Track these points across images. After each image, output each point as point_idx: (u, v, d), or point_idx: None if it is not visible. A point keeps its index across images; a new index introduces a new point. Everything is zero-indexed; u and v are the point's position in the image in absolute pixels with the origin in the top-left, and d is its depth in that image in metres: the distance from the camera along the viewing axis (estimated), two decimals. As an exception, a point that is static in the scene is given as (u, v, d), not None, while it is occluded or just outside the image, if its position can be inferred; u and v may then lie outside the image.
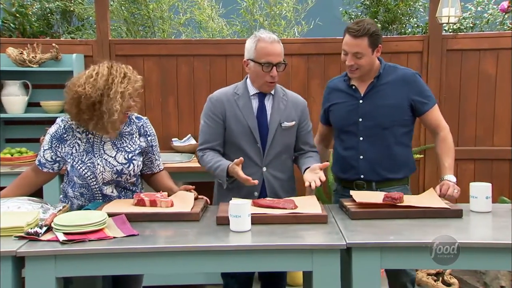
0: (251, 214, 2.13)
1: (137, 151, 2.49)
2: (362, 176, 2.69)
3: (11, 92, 4.01)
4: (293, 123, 2.67)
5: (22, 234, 1.99)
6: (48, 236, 2.00)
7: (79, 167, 2.40)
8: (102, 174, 2.40)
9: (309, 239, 2.01)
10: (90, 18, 5.64)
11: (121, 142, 2.47)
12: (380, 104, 2.65)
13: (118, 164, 2.42)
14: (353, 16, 5.72)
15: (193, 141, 4.21)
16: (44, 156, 2.45)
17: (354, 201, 2.39)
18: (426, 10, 5.49)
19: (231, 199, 2.25)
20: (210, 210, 2.45)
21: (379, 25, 5.42)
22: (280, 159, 2.67)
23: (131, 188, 2.56)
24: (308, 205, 2.36)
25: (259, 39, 2.56)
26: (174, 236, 2.08)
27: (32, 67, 3.95)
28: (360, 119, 2.67)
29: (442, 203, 2.35)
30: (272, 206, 2.30)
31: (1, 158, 3.83)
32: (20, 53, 3.93)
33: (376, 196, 2.41)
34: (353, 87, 2.71)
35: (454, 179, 2.55)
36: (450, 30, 5.09)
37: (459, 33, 4.60)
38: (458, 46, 4.21)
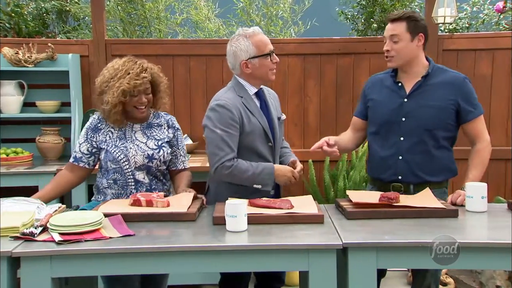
0: (248, 214, 2.13)
1: (165, 140, 2.62)
2: (400, 177, 2.61)
3: (6, 92, 4.00)
4: (284, 116, 2.78)
5: (18, 235, 1.99)
6: (44, 236, 2.00)
7: (113, 151, 2.51)
8: (134, 157, 2.50)
9: (305, 239, 2.01)
10: (86, 18, 5.62)
11: (151, 131, 2.61)
12: (425, 104, 2.56)
13: (149, 149, 2.54)
14: (349, 16, 5.72)
15: (189, 141, 4.21)
16: (80, 150, 2.57)
17: (350, 201, 2.40)
18: (422, 10, 5.50)
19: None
20: (206, 210, 2.45)
21: (375, 25, 5.42)
22: (279, 153, 2.74)
23: (161, 178, 2.63)
24: (304, 205, 2.36)
25: (249, 36, 2.56)
26: (170, 236, 2.07)
27: (27, 67, 3.94)
28: (403, 119, 2.59)
29: (438, 203, 2.35)
30: (269, 206, 2.30)
31: (-3, 158, 3.82)
32: (16, 53, 3.92)
33: (372, 196, 2.41)
34: (399, 84, 2.64)
35: None
36: (446, 30, 5.10)
37: (455, 33, 4.61)
38: (454, 46, 4.22)
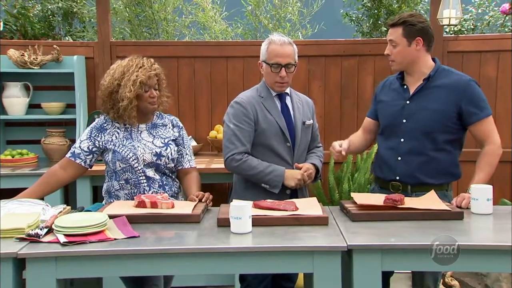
0: (252, 216, 2.12)
1: (171, 138, 2.66)
2: (398, 178, 2.63)
3: (12, 94, 4.01)
4: (311, 121, 2.81)
5: (23, 236, 1.99)
6: (49, 237, 2.00)
7: (121, 150, 2.53)
8: (143, 155, 2.54)
9: (310, 241, 2.01)
10: (92, 20, 5.63)
11: (156, 131, 2.65)
12: (425, 107, 2.58)
13: (156, 147, 2.58)
14: (353, 18, 5.72)
15: (194, 143, 4.21)
16: (80, 147, 2.58)
17: (355, 203, 2.39)
18: (427, 12, 5.49)
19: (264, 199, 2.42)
20: (211, 212, 2.45)
21: (384, 28, 5.40)
22: (303, 156, 2.78)
23: (170, 175, 2.66)
24: (309, 206, 2.36)
25: (270, 42, 2.68)
26: (175, 238, 2.08)
27: (33, 68, 3.96)
28: (404, 120, 2.62)
29: (443, 205, 2.35)
30: (273, 208, 2.30)
31: (2, 160, 3.83)
32: (21, 55, 3.94)
33: (377, 198, 2.41)
34: (405, 86, 2.66)
35: None
36: (451, 32, 5.09)
37: (460, 35, 4.60)
38: (459, 48, 4.21)
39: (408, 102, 2.63)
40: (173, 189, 2.63)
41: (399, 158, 2.63)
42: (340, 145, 2.61)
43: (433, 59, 2.66)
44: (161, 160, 2.57)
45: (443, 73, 2.62)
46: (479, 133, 2.59)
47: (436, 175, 2.61)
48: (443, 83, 2.59)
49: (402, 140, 2.63)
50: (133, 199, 2.46)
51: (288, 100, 2.76)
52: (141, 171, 2.54)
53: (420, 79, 2.62)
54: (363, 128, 2.91)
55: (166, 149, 2.59)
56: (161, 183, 2.58)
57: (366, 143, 2.90)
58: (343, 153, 2.59)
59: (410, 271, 3.15)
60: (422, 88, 2.61)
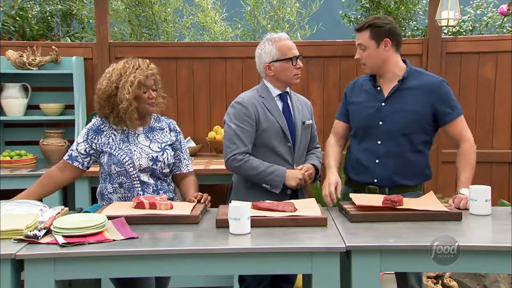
0: (251, 216, 2.12)
1: (168, 143, 2.63)
2: (375, 181, 2.64)
3: (10, 95, 4.01)
4: (311, 121, 2.83)
5: (21, 237, 1.99)
6: (47, 239, 2.00)
7: (117, 154, 2.50)
8: (139, 160, 2.51)
9: (308, 241, 2.01)
10: (91, 21, 5.63)
11: (153, 135, 2.62)
12: (401, 109, 2.59)
13: (153, 152, 2.55)
14: (352, 19, 5.72)
15: (192, 144, 4.21)
16: (77, 149, 2.55)
17: (353, 204, 2.39)
18: (425, 13, 5.50)
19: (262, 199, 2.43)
20: (209, 213, 2.45)
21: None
22: (303, 156, 2.80)
23: (165, 179, 2.64)
24: (308, 207, 2.36)
25: (275, 40, 2.71)
26: (174, 239, 2.08)
27: (31, 69, 3.96)
28: (381, 122, 2.62)
29: (441, 206, 2.35)
30: (272, 209, 2.30)
31: (1, 161, 3.83)
32: (20, 56, 3.94)
33: (375, 199, 2.41)
34: (378, 88, 2.67)
35: (468, 192, 2.47)
36: (450, 33, 5.09)
37: (458, 36, 4.60)
38: (457, 49, 4.22)
39: (383, 104, 2.63)
40: (168, 194, 2.60)
41: (377, 161, 2.64)
42: (334, 186, 2.60)
43: (404, 61, 2.68)
44: (157, 165, 2.54)
45: (415, 74, 2.65)
46: (453, 132, 2.63)
47: (412, 176, 2.64)
48: (416, 84, 2.61)
49: (379, 142, 2.63)
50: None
51: (289, 101, 2.77)
52: (135, 175, 2.51)
53: (393, 80, 2.63)
54: (335, 133, 2.86)
55: (163, 154, 2.56)
56: (155, 188, 2.56)
57: (342, 149, 2.87)
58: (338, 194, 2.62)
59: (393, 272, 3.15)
60: (396, 90, 2.62)
